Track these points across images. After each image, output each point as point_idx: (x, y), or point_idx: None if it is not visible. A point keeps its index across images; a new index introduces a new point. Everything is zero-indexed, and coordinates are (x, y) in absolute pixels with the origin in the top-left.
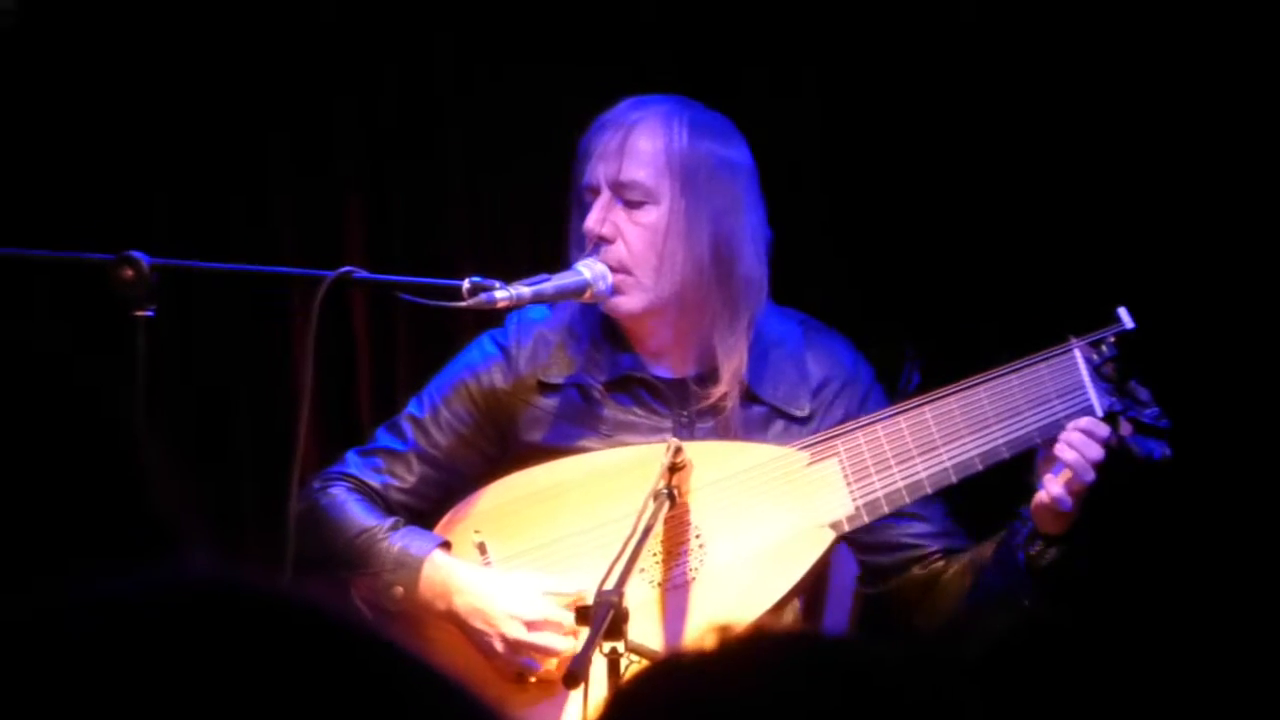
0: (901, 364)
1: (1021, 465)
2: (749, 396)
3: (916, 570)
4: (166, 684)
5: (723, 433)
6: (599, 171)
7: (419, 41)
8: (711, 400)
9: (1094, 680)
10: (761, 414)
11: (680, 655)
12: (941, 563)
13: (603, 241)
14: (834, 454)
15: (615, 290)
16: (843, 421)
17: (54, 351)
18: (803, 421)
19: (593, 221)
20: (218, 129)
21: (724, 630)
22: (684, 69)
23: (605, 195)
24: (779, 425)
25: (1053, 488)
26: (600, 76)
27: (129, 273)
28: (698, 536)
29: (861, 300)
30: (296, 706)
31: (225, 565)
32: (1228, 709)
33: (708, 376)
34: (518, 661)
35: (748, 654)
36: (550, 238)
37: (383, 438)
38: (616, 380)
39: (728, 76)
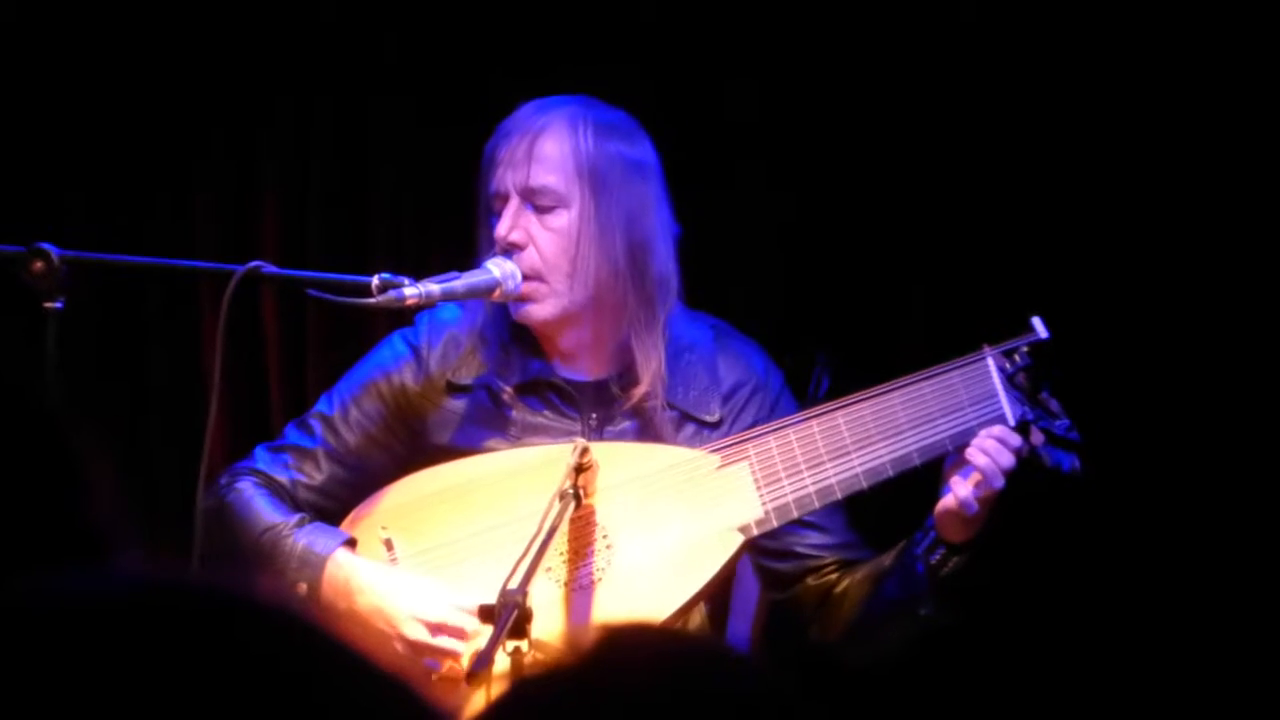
0: (812, 370)
1: (931, 478)
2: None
3: (810, 580)
4: (118, 687)
5: (632, 437)
6: (507, 178)
7: (352, 47)
8: (634, 401)
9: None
10: (672, 418)
11: (565, 662)
12: (835, 575)
13: (514, 248)
14: (744, 458)
15: (528, 298)
16: (753, 427)
17: None
18: (713, 426)
19: (503, 229)
20: (139, 124)
21: (608, 632)
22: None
23: (514, 202)
24: (689, 429)
25: (960, 490)
26: (525, 84)
27: (39, 265)
28: (605, 537)
29: (773, 305)
30: (246, 700)
31: (163, 565)
32: None
33: (625, 377)
34: (420, 662)
35: (627, 661)
36: (466, 240)
37: (292, 434)
38: (526, 384)
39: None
